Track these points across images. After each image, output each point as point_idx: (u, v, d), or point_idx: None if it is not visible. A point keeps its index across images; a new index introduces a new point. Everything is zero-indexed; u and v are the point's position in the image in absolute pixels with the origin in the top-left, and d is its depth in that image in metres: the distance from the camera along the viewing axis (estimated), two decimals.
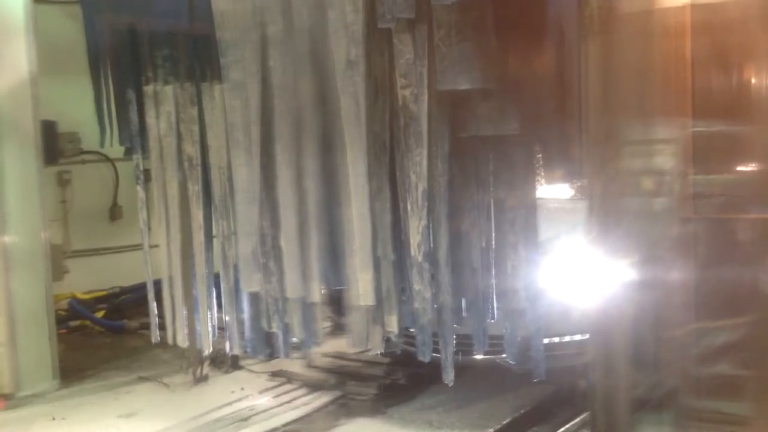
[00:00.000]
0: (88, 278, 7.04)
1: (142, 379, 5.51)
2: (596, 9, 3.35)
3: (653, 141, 3.88)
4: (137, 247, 5.50)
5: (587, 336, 3.93)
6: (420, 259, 4.00)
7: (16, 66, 5.19)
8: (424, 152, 3.88)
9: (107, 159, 7.34)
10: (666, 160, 3.91)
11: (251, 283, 4.54)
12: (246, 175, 4.43)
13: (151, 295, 5.30)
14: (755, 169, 3.53)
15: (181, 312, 5.07)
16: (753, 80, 3.44)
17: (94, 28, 5.23)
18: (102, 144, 5.41)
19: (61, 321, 6.17)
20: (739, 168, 3.61)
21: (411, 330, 4.30)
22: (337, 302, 4.69)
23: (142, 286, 5.85)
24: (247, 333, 4.78)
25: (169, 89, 4.84)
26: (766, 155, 3.40)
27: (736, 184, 3.58)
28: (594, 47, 3.42)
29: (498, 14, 3.70)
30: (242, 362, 5.54)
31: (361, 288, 4.14)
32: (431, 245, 4.04)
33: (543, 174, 4.22)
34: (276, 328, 4.62)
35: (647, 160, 3.91)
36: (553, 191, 4.98)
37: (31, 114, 5.26)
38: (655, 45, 3.53)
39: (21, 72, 5.21)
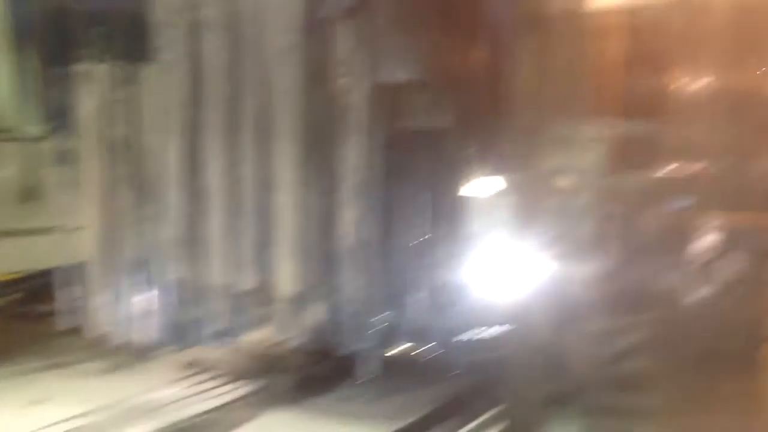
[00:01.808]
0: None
1: (56, 366, 5.39)
2: (529, 8, 3.47)
3: (577, 139, 4.01)
4: (53, 229, 5.36)
5: (507, 329, 4.04)
6: (350, 249, 4.05)
7: None
8: (359, 142, 3.93)
9: (22, 137, 7.11)
10: (588, 157, 4.04)
11: (175, 269, 4.51)
12: (174, 160, 4.39)
13: (67, 280, 5.18)
14: (675, 167, 3.69)
15: (101, 298, 4.98)
16: (676, 83, 3.60)
17: (18, 3, 5.10)
18: (21, 126, 5.27)
19: None
20: (660, 166, 3.77)
21: (336, 321, 4.34)
22: (264, 290, 4.68)
23: (59, 270, 5.70)
24: (169, 320, 4.74)
25: (102, 68, 4.73)
26: (686, 154, 3.56)
27: (656, 182, 3.73)
28: (525, 45, 3.54)
29: (436, 8, 3.77)
30: (161, 350, 5.45)
31: (288, 277, 4.16)
32: (362, 236, 4.09)
33: (475, 168, 4.31)
34: (199, 316, 4.58)
35: (570, 157, 4.03)
36: (485, 185, 5.08)
37: None
38: (585, 46, 3.65)
39: None
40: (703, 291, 3.85)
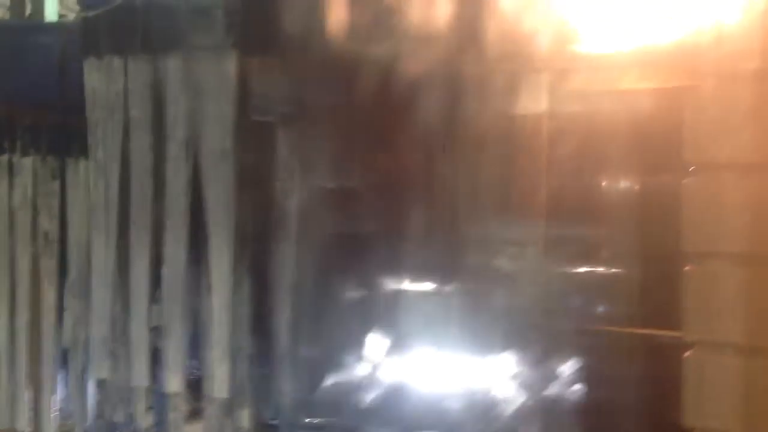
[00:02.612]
0: None
1: None
2: (458, 116, 3.56)
3: (507, 240, 4.06)
4: None
5: None
6: (282, 352, 4.01)
7: None
8: (292, 246, 3.92)
9: None
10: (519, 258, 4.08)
11: (99, 369, 4.42)
12: (102, 257, 4.33)
13: None
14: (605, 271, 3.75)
15: (24, 394, 4.86)
16: (604, 186, 3.68)
17: None
18: None
19: None
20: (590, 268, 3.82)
21: (268, 424, 4.26)
22: (192, 392, 4.60)
23: None
24: (91, 420, 4.65)
25: (27, 161, 4.71)
26: (612, 258, 3.63)
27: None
28: (454, 151, 3.62)
29: (369, 116, 3.83)
30: None
31: (218, 379, 4.10)
32: (292, 338, 4.05)
33: (408, 270, 4.34)
34: (121, 417, 4.49)
35: (503, 258, 4.07)
36: (416, 286, 5.11)
37: None
38: (512, 150, 3.73)
39: None
40: None
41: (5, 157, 4.78)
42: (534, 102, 3.74)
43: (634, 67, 3.55)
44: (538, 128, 3.75)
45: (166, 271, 4.18)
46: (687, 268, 2.92)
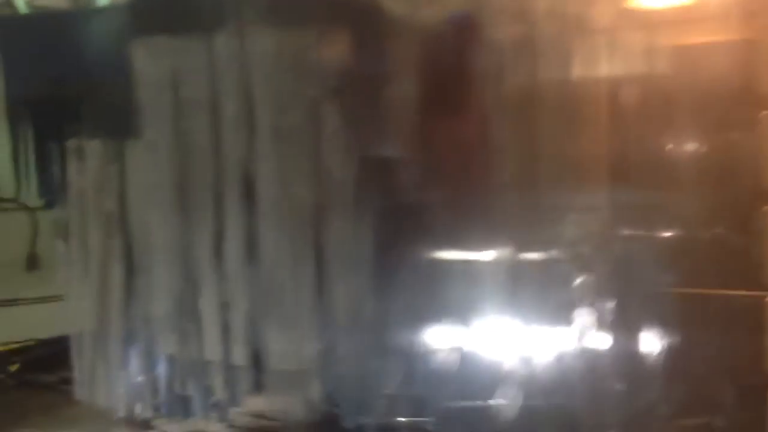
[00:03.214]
0: (4, 329, 6.81)
1: None
2: (511, 86, 3.47)
3: (575, 209, 3.95)
4: (55, 298, 5.38)
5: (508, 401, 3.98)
6: (345, 322, 4.01)
7: None
8: (349, 218, 3.91)
9: (26, 207, 7.16)
10: (587, 228, 3.98)
11: (168, 344, 4.49)
12: (165, 234, 4.40)
13: (68, 351, 5.19)
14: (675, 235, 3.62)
15: (97, 369, 4.98)
16: (673, 147, 3.55)
17: (16, 79, 5.15)
18: (19, 195, 5.31)
19: None
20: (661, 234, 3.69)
21: (334, 394, 4.28)
22: (259, 364, 4.66)
23: (58, 339, 5.71)
24: (166, 393, 4.72)
25: (93, 144, 4.80)
26: (685, 222, 3.52)
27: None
28: (513, 118, 3.53)
29: (421, 85, 3.76)
30: (160, 423, 5.41)
31: (284, 350, 4.14)
32: (356, 310, 4.05)
33: (464, 239, 4.29)
34: (192, 390, 4.57)
35: (569, 228, 3.98)
36: (474, 256, 5.05)
37: None
38: (573, 116, 3.62)
39: None
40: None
41: (73, 141, 4.89)
42: (593, 64, 3.63)
43: (699, 22, 3.43)
44: (600, 91, 3.64)
45: (228, 247, 4.21)
46: None
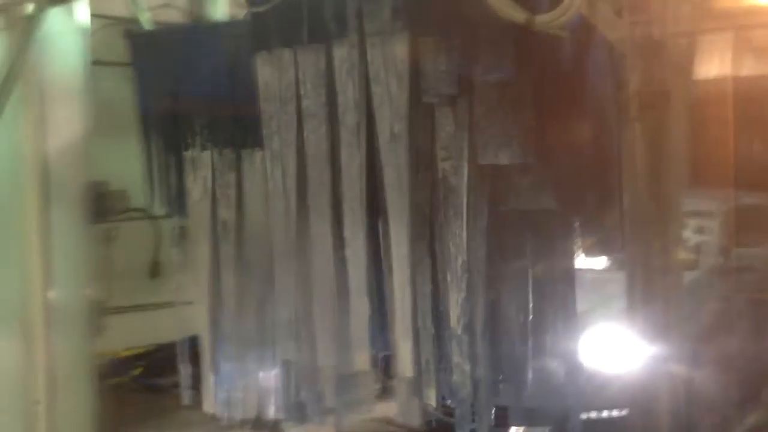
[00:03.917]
0: (128, 335, 7.07)
1: None
2: (635, 92, 3.38)
3: (695, 214, 3.86)
4: (174, 304, 5.55)
5: (624, 412, 3.89)
6: (459, 331, 3.99)
7: (70, 127, 5.25)
8: (463, 224, 3.89)
9: (152, 216, 7.43)
10: (708, 233, 3.89)
11: (286, 350, 4.58)
12: (283, 243, 4.49)
13: (187, 355, 5.35)
14: None
15: (216, 375, 5.12)
16: None
17: (145, 91, 5.36)
18: (150, 207, 5.51)
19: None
20: None
21: (449, 402, 4.28)
22: (376, 371, 4.69)
23: (179, 345, 5.88)
24: (283, 398, 4.81)
25: (206, 155, 4.96)
26: None
27: None
28: (635, 128, 3.45)
29: (537, 91, 3.74)
30: (277, 428, 5.50)
31: (401, 358, 4.16)
32: (470, 317, 4.05)
33: (580, 246, 4.23)
34: (311, 396, 4.63)
35: (689, 233, 3.89)
36: (590, 263, 4.98)
37: (81, 174, 5.33)
38: (697, 117, 3.54)
39: (74, 133, 5.27)
40: None
41: (189, 153, 5.06)
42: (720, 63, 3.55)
43: None
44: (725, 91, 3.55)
45: (347, 254, 4.25)
46: None
